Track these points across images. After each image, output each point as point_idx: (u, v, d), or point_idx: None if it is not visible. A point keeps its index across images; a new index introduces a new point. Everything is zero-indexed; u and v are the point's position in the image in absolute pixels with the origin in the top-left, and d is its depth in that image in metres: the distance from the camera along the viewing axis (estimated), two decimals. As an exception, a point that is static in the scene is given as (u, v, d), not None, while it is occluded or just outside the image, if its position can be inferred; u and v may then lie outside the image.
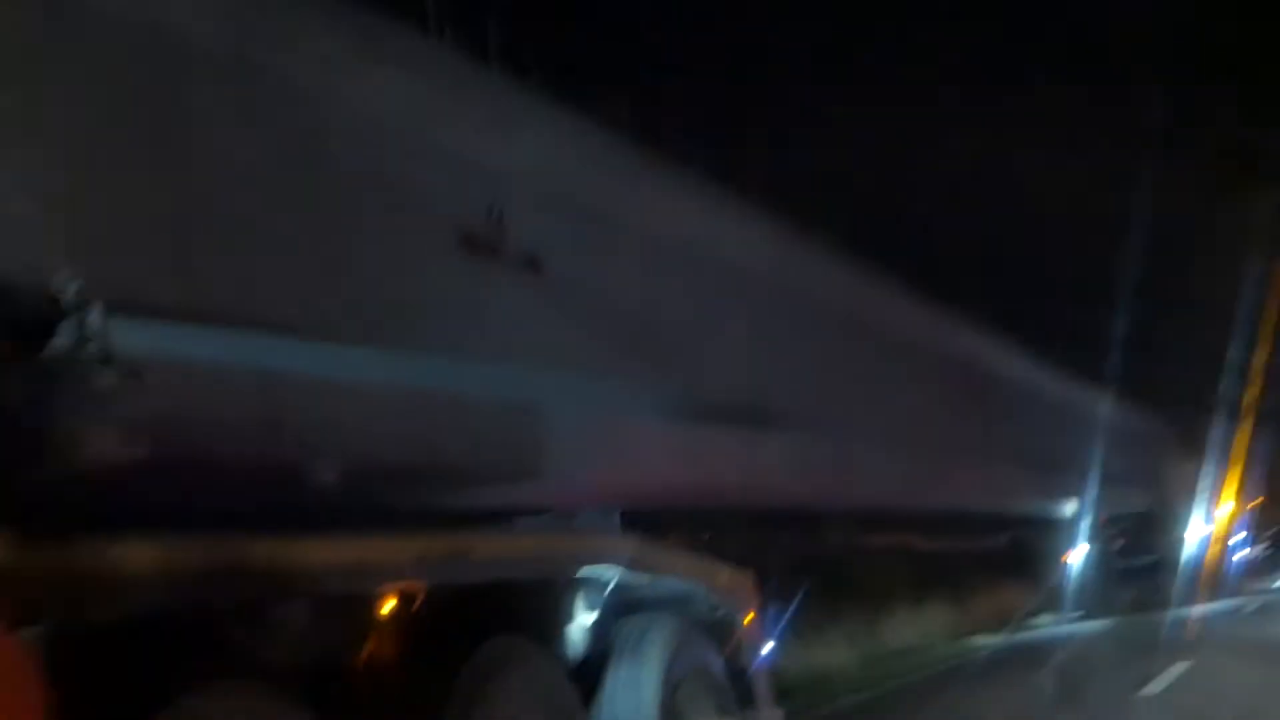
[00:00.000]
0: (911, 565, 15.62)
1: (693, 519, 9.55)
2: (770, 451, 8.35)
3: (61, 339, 3.42)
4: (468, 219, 5.48)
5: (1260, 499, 27.50)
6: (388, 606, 4.96)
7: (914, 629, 15.95)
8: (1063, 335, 17.36)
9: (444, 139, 5.45)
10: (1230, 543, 26.57)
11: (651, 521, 7.68)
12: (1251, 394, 21.67)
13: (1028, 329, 16.38)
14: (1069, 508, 18.55)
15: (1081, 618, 19.25)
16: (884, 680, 13.64)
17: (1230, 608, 21.00)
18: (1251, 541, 27.76)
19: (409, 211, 5.16)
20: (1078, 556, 19.58)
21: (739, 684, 6.94)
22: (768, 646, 7.17)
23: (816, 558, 13.88)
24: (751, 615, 6.98)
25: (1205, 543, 23.95)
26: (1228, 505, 25.39)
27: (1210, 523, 24.40)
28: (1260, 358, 20.21)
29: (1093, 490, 17.98)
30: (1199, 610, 20.22)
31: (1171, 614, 19.10)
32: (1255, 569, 26.80)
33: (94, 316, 3.46)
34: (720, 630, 6.87)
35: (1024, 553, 18.94)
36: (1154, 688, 12.07)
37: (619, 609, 6.22)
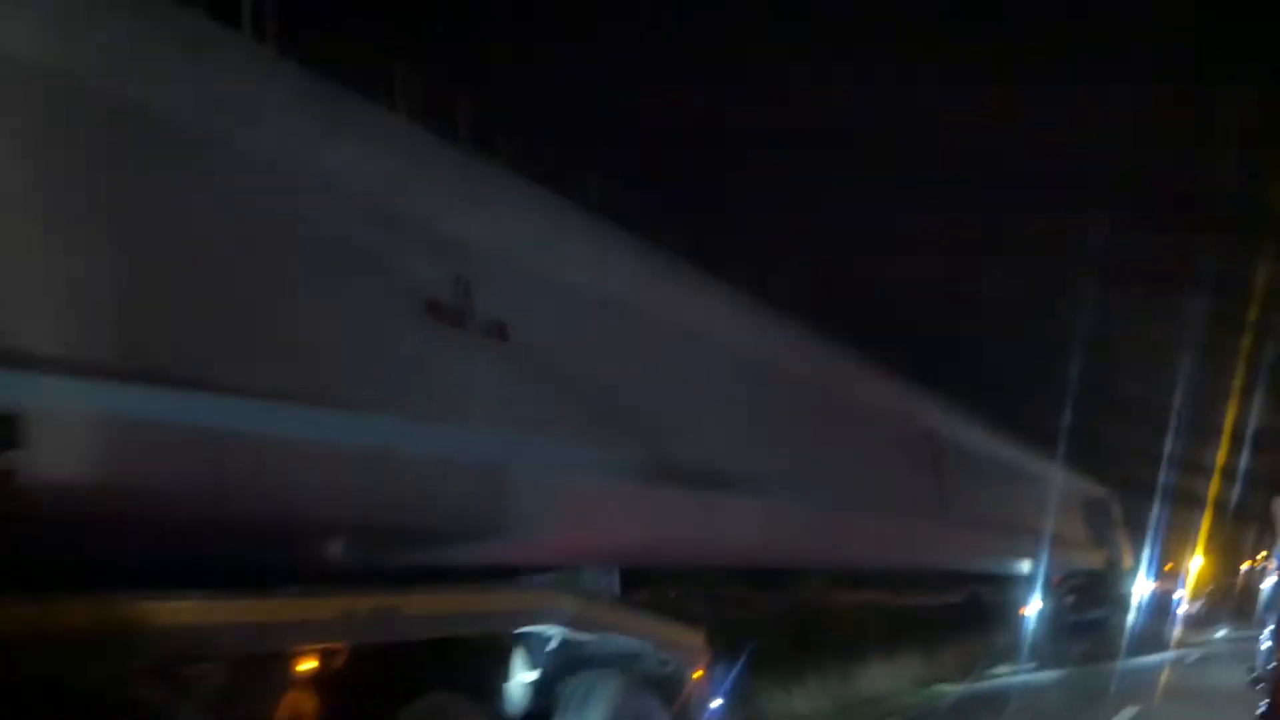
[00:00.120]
0: (878, 619, 15.47)
1: (677, 577, 9.44)
2: (731, 514, 8.07)
3: None
4: (434, 288, 5.37)
5: (1198, 559, 27.40)
6: (311, 665, 4.50)
7: (882, 678, 15.69)
8: (1021, 413, 17.42)
9: (412, 211, 5.37)
10: (1172, 599, 26.42)
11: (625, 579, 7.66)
12: (1189, 463, 21.65)
13: (990, 407, 16.45)
14: (1025, 567, 18.47)
15: (1036, 668, 19.07)
16: None
17: (1173, 658, 20.76)
18: (1191, 598, 27.55)
19: (374, 279, 5.05)
20: (1033, 611, 19.54)
21: None
22: (716, 702, 6.70)
23: (788, 614, 13.73)
24: (701, 671, 6.55)
25: (1149, 599, 23.85)
26: (1169, 565, 25.25)
27: (1153, 581, 24.29)
28: (1193, 446, 20.30)
29: (1046, 551, 18.00)
30: (1146, 660, 20.04)
31: (1120, 664, 18.98)
32: (1195, 623, 26.54)
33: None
34: (669, 686, 6.44)
35: (983, 608, 18.98)
36: None
37: (565, 666, 5.78)
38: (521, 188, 6.61)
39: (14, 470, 3.42)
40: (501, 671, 5.50)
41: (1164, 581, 25.87)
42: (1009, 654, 19.43)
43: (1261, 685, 5.98)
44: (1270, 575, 18.76)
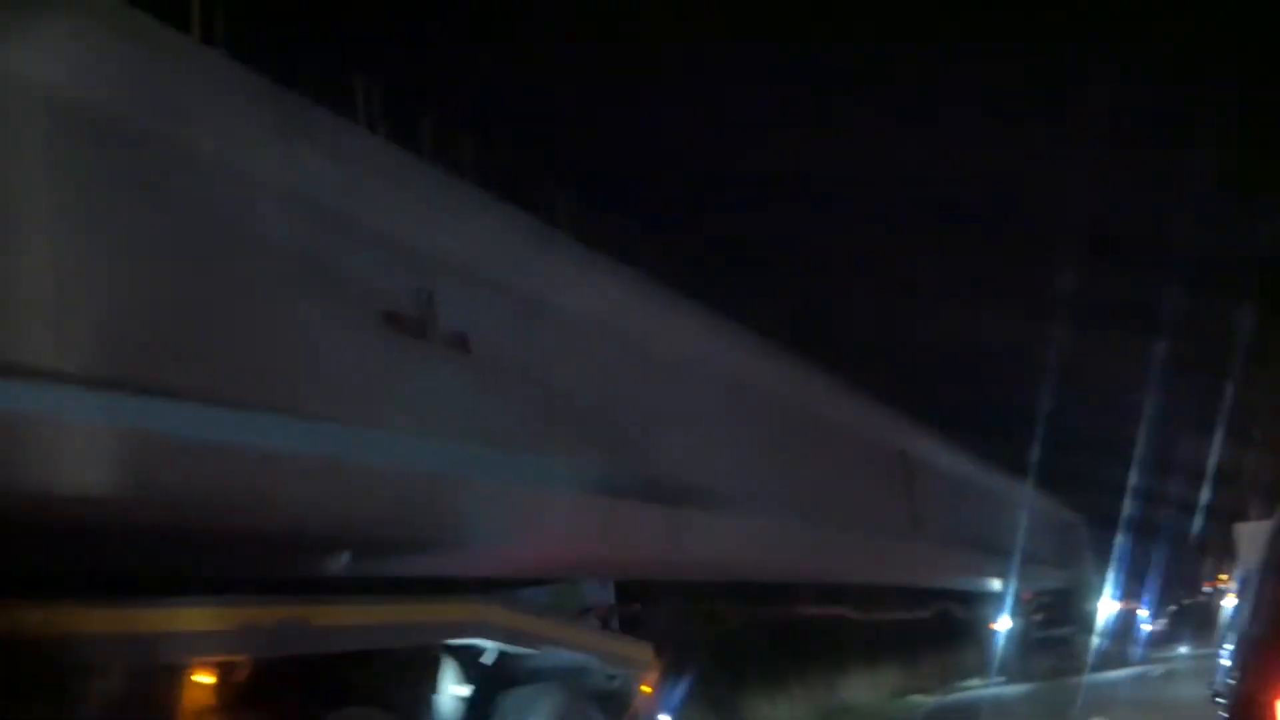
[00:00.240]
0: (855, 633, 14.99)
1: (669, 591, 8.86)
2: (698, 529, 7.50)
3: None
4: (395, 298, 4.96)
5: (1161, 580, 26.77)
6: (212, 678, 3.94)
7: (857, 689, 15.17)
8: (995, 441, 17.01)
9: (373, 222, 4.93)
10: (1136, 617, 25.80)
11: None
12: (1154, 490, 21.09)
13: (965, 435, 15.98)
14: (996, 585, 17.92)
15: (1006, 682, 18.51)
16: None
17: (1138, 674, 20.02)
18: (1155, 616, 26.87)
19: (332, 288, 4.62)
20: (1003, 627, 19.03)
21: None
22: (665, 718, 6.12)
23: (770, 627, 13.14)
24: (649, 685, 5.95)
25: (1115, 617, 23.33)
26: (1134, 585, 24.70)
27: (1119, 600, 23.77)
28: (1157, 475, 19.81)
29: (1017, 570, 17.50)
30: (1111, 676, 19.46)
31: (1086, 679, 18.32)
32: (1159, 641, 25.77)
33: None
34: (616, 701, 5.85)
35: (955, 623, 18.54)
36: None
37: (502, 680, 5.19)
38: (487, 202, 6.17)
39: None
40: (429, 685, 4.86)
41: (1129, 600, 25.33)
42: (980, 668, 18.99)
43: (1221, 700, 5.49)
44: (1231, 596, 18.10)
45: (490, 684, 5.10)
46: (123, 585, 3.67)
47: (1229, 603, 17.39)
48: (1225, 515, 20.88)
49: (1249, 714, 4.48)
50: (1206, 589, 26.73)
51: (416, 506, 4.94)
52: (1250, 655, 5.14)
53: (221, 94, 4.35)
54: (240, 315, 4.17)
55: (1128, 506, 21.52)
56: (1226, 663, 6.93)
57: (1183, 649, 24.06)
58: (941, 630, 18.28)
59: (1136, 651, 24.04)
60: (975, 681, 18.67)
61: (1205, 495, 19.66)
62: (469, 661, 5.01)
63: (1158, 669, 20.72)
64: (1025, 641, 19.57)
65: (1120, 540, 22.58)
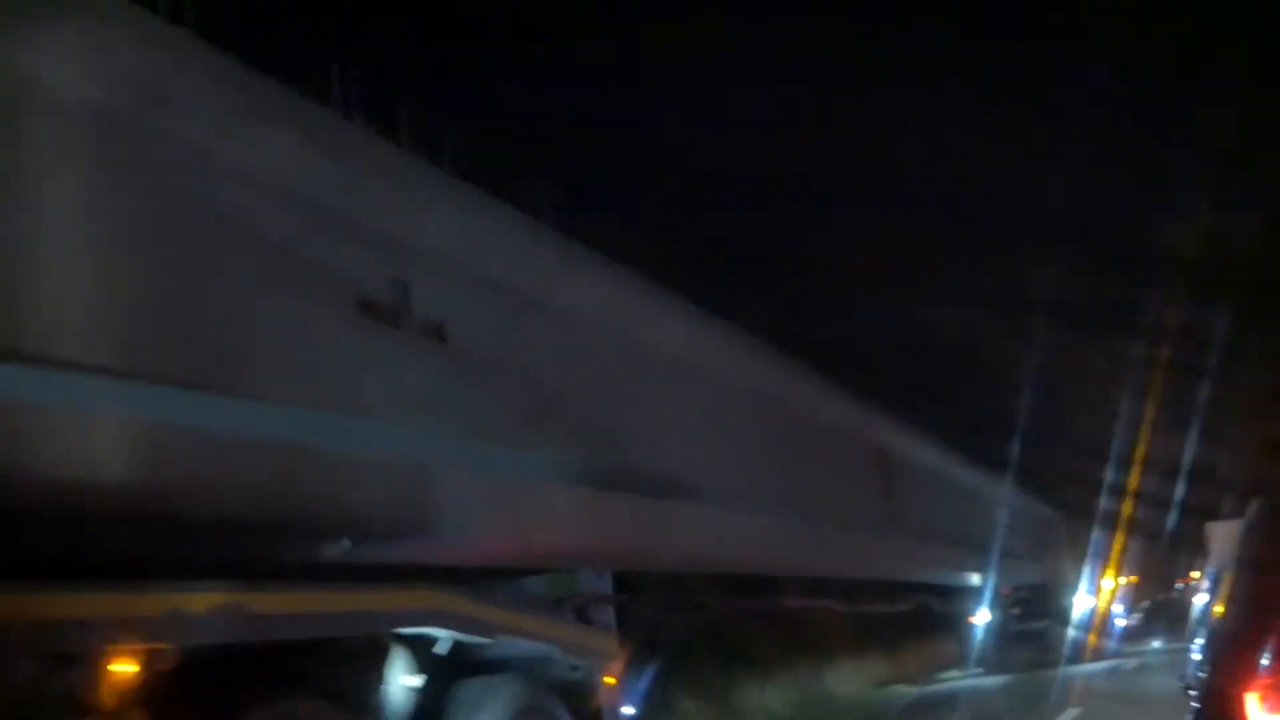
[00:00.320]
0: (836, 625, 15.02)
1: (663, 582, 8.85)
2: (675, 520, 7.35)
3: None
4: (369, 287, 4.80)
5: (1135, 577, 26.95)
6: (138, 667, 3.58)
7: (839, 679, 15.18)
8: (975, 439, 17.02)
9: (347, 209, 4.78)
10: (1111, 612, 25.94)
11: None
12: (1128, 488, 21.22)
13: (945, 432, 15.98)
14: (974, 579, 17.93)
15: (983, 673, 18.47)
16: None
17: (1112, 666, 20.15)
18: (1129, 612, 27.05)
19: (304, 275, 4.49)
20: (981, 621, 18.97)
21: None
22: (629, 709, 5.76)
23: (758, 618, 13.23)
24: (613, 676, 5.66)
25: (1090, 612, 23.47)
26: (1109, 581, 24.85)
27: (1094, 595, 23.91)
28: (1132, 473, 19.89)
29: (994, 564, 17.40)
30: (1086, 669, 19.42)
31: (1062, 671, 18.43)
32: (1133, 634, 25.94)
33: None
34: (579, 692, 5.52)
35: (934, 616, 18.38)
36: None
37: (457, 670, 4.87)
38: (467, 193, 5.98)
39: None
40: (378, 676, 4.54)
41: (1104, 596, 25.47)
42: (959, 659, 18.89)
43: (1192, 692, 5.54)
44: (1202, 593, 18.25)
45: (445, 674, 4.81)
46: (57, 570, 3.44)
47: (1200, 599, 17.54)
48: (1197, 513, 21.07)
49: (1219, 706, 4.54)
50: (1179, 585, 26.94)
51: (389, 494, 4.79)
52: (1221, 650, 5.19)
53: (189, 75, 4.17)
54: (210, 299, 4.03)
55: (1103, 503, 21.82)
56: (1197, 656, 7.01)
57: (1155, 643, 24.26)
58: (922, 623, 18.16)
59: (1111, 645, 24.29)
60: (954, 673, 18.46)
61: (1178, 493, 19.84)
62: (422, 651, 4.71)
63: (1131, 662, 20.84)
64: (1003, 634, 19.39)
65: (1095, 537, 22.87)
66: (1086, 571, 23.19)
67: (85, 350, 3.55)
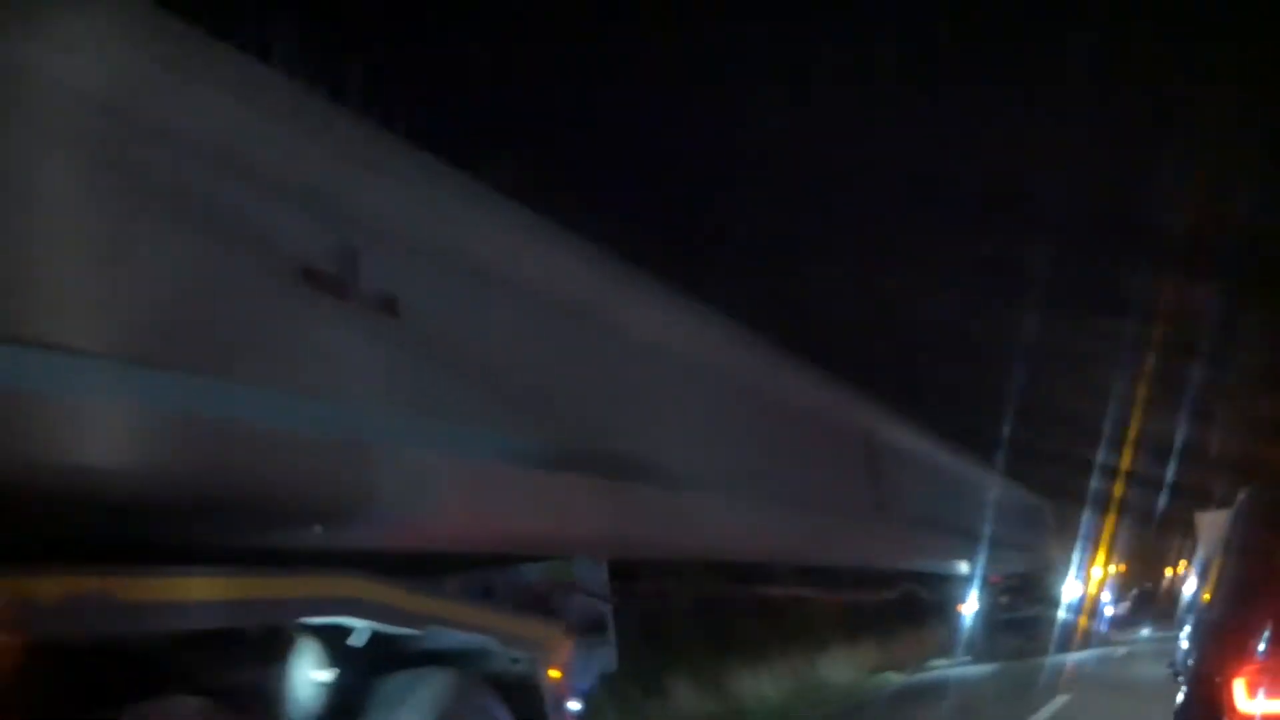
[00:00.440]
0: (825, 613, 14.93)
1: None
2: (645, 505, 6.99)
3: None
4: (313, 255, 4.42)
5: (1124, 565, 26.83)
6: None
7: (828, 667, 15.01)
8: (962, 424, 16.77)
9: (289, 172, 4.42)
10: (1100, 600, 25.84)
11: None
12: (1118, 473, 21.02)
13: (932, 418, 15.72)
14: (963, 567, 17.74)
15: (972, 661, 18.23)
16: (798, 712, 12.67)
17: (1101, 655, 20.01)
18: (1117, 600, 26.93)
19: (239, 240, 4.11)
20: (970, 609, 18.80)
21: None
22: (576, 704, 5.22)
23: (752, 605, 13.08)
24: (558, 669, 5.12)
25: (1079, 600, 23.34)
26: (1097, 569, 24.74)
27: (1082, 583, 23.79)
28: (1121, 462, 19.66)
29: (983, 553, 17.14)
30: (1075, 656, 19.26)
31: (1051, 659, 18.29)
32: (1121, 623, 25.81)
33: None
34: (520, 686, 4.97)
35: (922, 604, 18.23)
36: (1041, 716, 11.42)
37: (378, 664, 4.38)
38: (421, 160, 5.58)
39: None
40: (278, 671, 3.97)
41: (1092, 585, 25.35)
42: (948, 648, 18.66)
43: (1180, 679, 5.47)
44: (1191, 581, 18.07)
45: (365, 668, 4.26)
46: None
47: (1189, 587, 17.39)
48: (1187, 501, 20.90)
49: (1207, 693, 4.49)
50: (1168, 574, 26.80)
51: (331, 473, 4.43)
52: (1209, 637, 5.10)
53: (103, 21, 3.79)
54: (133, 266, 3.69)
55: (1092, 489, 21.67)
56: (1185, 644, 6.93)
57: (1144, 631, 24.12)
58: (912, 611, 18.02)
59: (1099, 633, 24.16)
60: (944, 660, 18.24)
61: (1168, 478, 19.67)
62: (338, 644, 4.17)
63: (1120, 650, 20.71)
64: (992, 622, 19.20)
65: (1083, 526, 22.73)
66: (1075, 560, 22.98)
67: (11, 326, 3.25)
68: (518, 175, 6.64)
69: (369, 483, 4.63)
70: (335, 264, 4.53)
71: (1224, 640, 4.77)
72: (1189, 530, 23.13)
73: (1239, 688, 4.29)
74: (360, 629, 4.11)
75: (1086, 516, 21.89)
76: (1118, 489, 21.77)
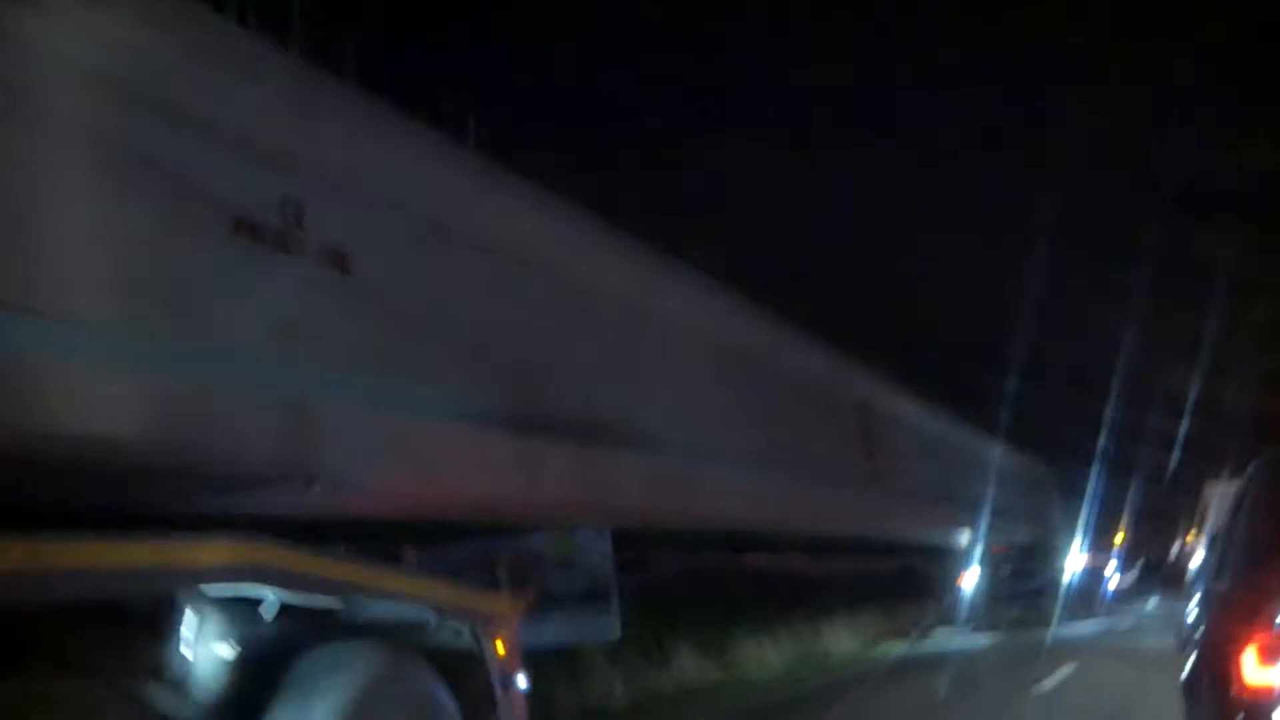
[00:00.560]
0: (826, 584, 14.74)
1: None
2: (619, 470, 6.66)
3: None
4: (249, 205, 4.10)
5: (1129, 535, 26.49)
6: None
7: (828, 638, 14.77)
8: (964, 392, 16.29)
9: (222, 116, 4.09)
10: (1105, 571, 25.53)
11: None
12: (1124, 440, 20.57)
13: (933, 387, 15.25)
14: (964, 537, 17.38)
15: (973, 631, 17.84)
16: (801, 680, 12.36)
17: (1106, 625, 19.72)
18: (1122, 570, 26.58)
19: (159, 188, 3.79)
20: (971, 579, 18.39)
21: (481, 717, 4.44)
22: (523, 679, 4.72)
23: (754, 575, 12.82)
24: (505, 641, 4.61)
25: (1083, 571, 23.01)
26: (1102, 539, 24.49)
27: (1087, 553, 23.49)
28: (1128, 434, 19.18)
29: (985, 523, 16.74)
30: (1079, 627, 18.95)
31: (1055, 630, 17.96)
32: (1127, 593, 25.47)
33: None
34: (462, 660, 4.48)
35: (922, 575, 18.04)
36: (1045, 686, 11.23)
37: (301, 638, 3.85)
38: (379, 111, 5.23)
39: None
40: (167, 645, 3.40)
41: (1097, 555, 25.03)
42: (949, 618, 18.25)
43: (1188, 648, 5.16)
44: (1199, 551, 17.73)
45: (280, 643, 3.77)
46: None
47: (1197, 557, 17.00)
48: (1195, 473, 20.48)
49: (1215, 662, 4.30)
50: (1174, 545, 26.43)
51: (272, 435, 4.14)
52: (1218, 606, 4.86)
53: None
54: (47, 212, 3.41)
55: (1098, 462, 21.21)
56: (1193, 614, 6.73)
57: (1150, 603, 23.80)
58: (913, 581, 17.93)
59: (1104, 604, 23.84)
60: (945, 630, 17.90)
61: (1176, 452, 19.22)
62: (236, 616, 3.63)
63: (1125, 621, 20.41)
64: (994, 593, 18.81)
65: (1089, 496, 22.35)
66: (1079, 530, 22.61)
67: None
68: (482, 126, 6.22)
69: (311, 445, 4.30)
70: (276, 216, 4.20)
71: (1234, 608, 4.52)
72: (1197, 500, 22.79)
73: (1250, 656, 4.00)
74: (270, 599, 3.61)
75: (1091, 486, 21.53)
76: (1124, 457, 21.34)
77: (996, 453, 17.82)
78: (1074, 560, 22.50)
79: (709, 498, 8.10)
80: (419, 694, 4.05)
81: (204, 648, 3.45)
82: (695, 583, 11.25)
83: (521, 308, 5.92)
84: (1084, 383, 17.23)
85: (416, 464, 5.02)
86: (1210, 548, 7.42)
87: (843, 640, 14.91)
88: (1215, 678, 4.28)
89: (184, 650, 3.38)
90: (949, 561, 17.90)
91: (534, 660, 8.12)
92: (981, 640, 17.04)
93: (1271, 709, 3.89)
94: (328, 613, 3.87)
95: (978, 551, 17.73)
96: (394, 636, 4.11)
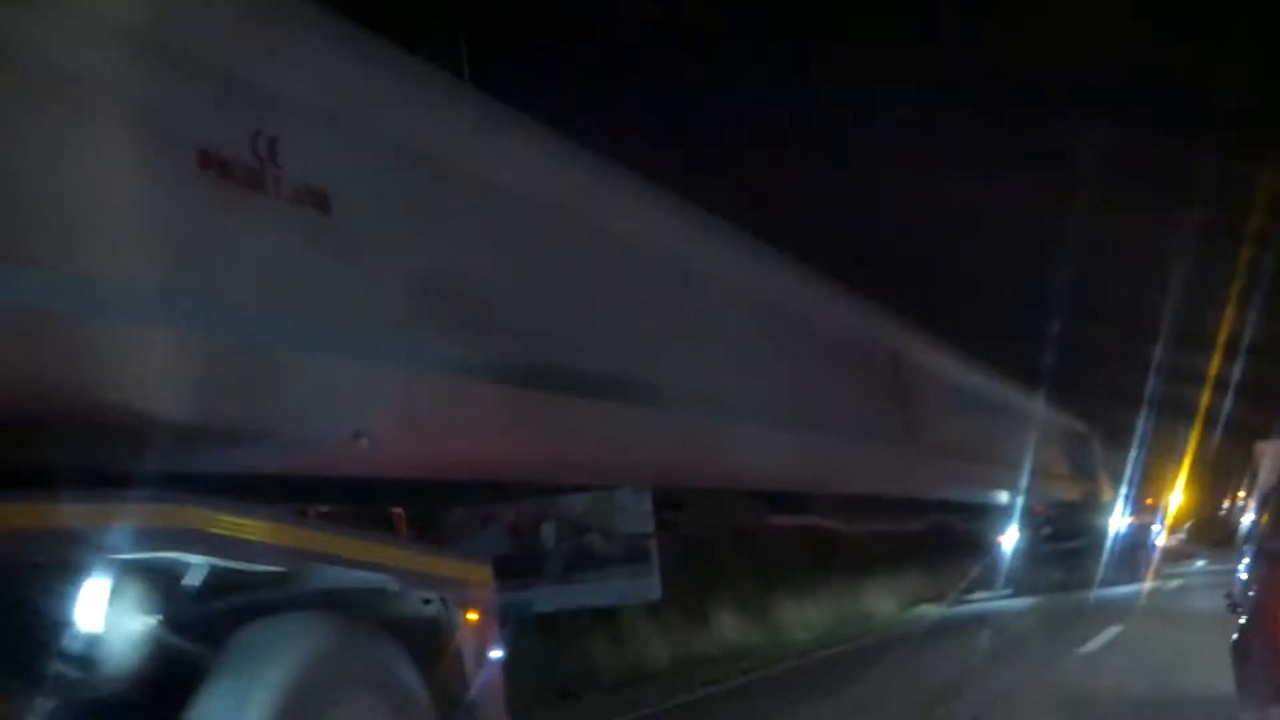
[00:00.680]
0: (864, 545, 14.46)
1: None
2: (633, 426, 6.33)
3: None
4: (214, 139, 3.78)
5: (1177, 494, 25.91)
6: None
7: (868, 598, 14.62)
8: (1005, 347, 15.69)
9: (188, 48, 3.76)
10: (1151, 530, 24.92)
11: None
12: (1170, 404, 19.84)
13: (972, 342, 14.68)
14: (1003, 497, 16.87)
15: (1013, 593, 17.48)
16: (842, 641, 12.25)
17: (1153, 587, 19.19)
18: (1172, 530, 26.05)
19: (110, 116, 3.46)
20: (1011, 540, 17.92)
21: (451, 694, 3.99)
22: (497, 651, 4.29)
23: (797, 536, 12.57)
24: (477, 612, 4.18)
25: (1128, 530, 22.39)
26: (1148, 498, 23.94)
27: (1131, 515, 22.87)
28: (1176, 387, 18.40)
29: (1025, 482, 16.17)
30: (1124, 589, 18.35)
31: (1098, 592, 17.42)
32: (1174, 555, 24.94)
33: None
34: (432, 631, 4.03)
35: (961, 536, 17.46)
36: (1090, 647, 10.93)
37: (239, 610, 3.40)
38: (361, 40, 4.85)
39: None
40: (69, 622, 2.96)
41: (1143, 514, 24.40)
42: (989, 580, 17.83)
43: (1239, 610, 4.97)
44: (1249, 512, 17.16)
45: (213, 615, 3.35)
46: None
47: (1248, 517, 16.45)
48: (1245, 431, 19.76)
49: (1265, 624, 4.29)
50: (1225, 504, 25.76)
51: (249, 387, 3.90)
52: (1270, 567, 4.79)
53: None
54: None
55: (1143, 420, 20.47)
56: (1244, 575, 6.44)
57: (1199, 564, 23.21)
58: (951, 542, 17.49)
59: (1150, 564, 23.22)
60: (984, 593, 17.56)
61: (1225, 409, 18.52)
62: (160, 583, 3.20)
63: (1172, 583, 19.85)
64: (1034, 554, 18.32)
65: (1134, 453, 21.70)
66: (1124, 489, 21.91)
67: None
68: (479, 65, 5.88)
69: (298, 397, 4.06)
70: (246, 150, 3.88)
71: None
72: (1248, 459, 22.06)
73: None
74: (198, 567, 3.18)
75: (1137, 443, 20.82)
76: (1172, 419, 20.62)
77: (1037, 407, 17.24)
78: (1118, 519, 21.85)
79: (746, 456, 7.85)
80: (378, 668, 3.61)
81: (119, 622, 3.02)
82: (734, 543, 11.05)
83: (533, 258, 5.59)
84: (1130, 329, 16.37)
85: (444, 422, 4.83)
86: (1262, 506, 7.05)
87: (882, 601, 14.74)
88: (1268, 639, 4.16)
89: (94, 626, 2.96)
90: (988, 521, 17.38)
91: (576, 621, 8.12)
92: (1022, 603, 16.64)
93: None
94: (274, 581, 3.46)
95: (1017, 511, 17.18)
96: (350, 606, 3.69)
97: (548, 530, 7.01)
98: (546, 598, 6.95)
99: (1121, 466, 21.37)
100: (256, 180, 3.94)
